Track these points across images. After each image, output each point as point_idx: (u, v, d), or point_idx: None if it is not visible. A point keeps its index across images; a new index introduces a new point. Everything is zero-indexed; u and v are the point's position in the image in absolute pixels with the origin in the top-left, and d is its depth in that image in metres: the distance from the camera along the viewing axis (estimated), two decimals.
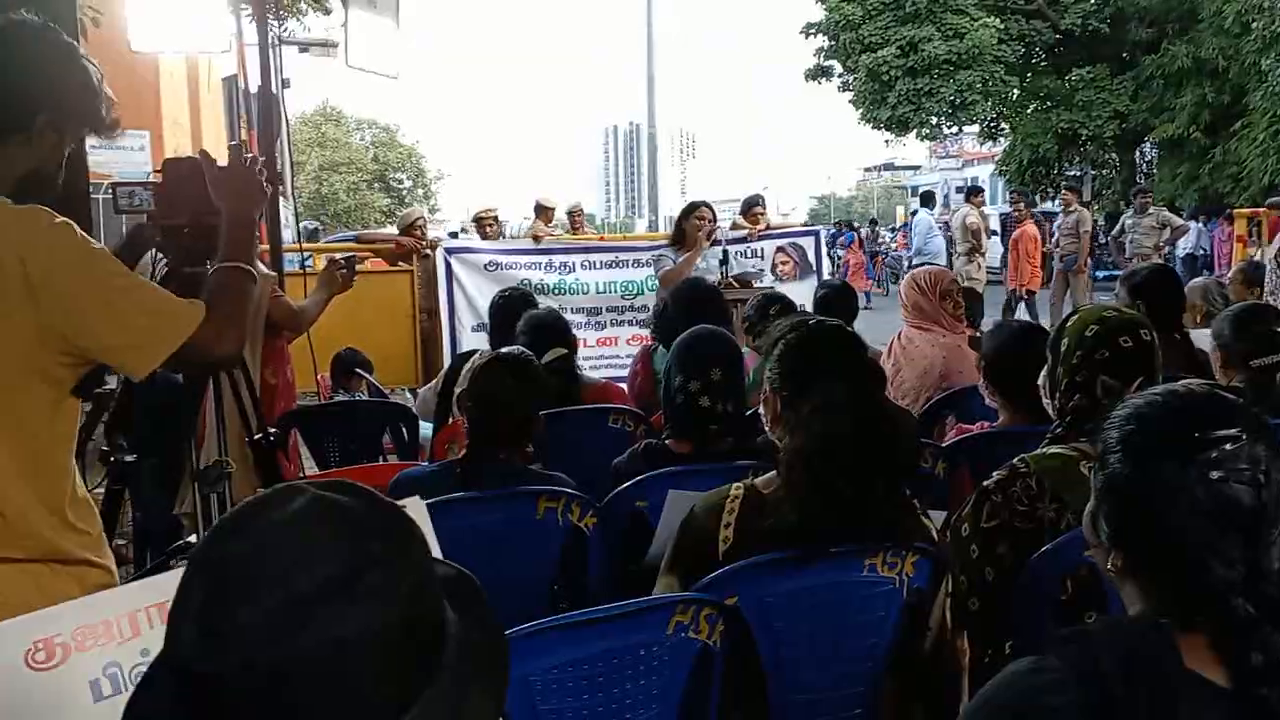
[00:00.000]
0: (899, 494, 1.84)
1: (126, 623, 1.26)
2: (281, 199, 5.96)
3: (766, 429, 1.93)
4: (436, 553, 1.22)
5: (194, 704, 0.75)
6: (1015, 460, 1.96)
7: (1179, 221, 11.93)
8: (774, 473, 1.87)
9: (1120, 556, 1.12)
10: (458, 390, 2.50)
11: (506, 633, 0.94)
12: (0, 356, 1.55)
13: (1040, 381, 2.09)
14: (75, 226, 1.58)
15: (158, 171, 2.12)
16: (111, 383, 2.87)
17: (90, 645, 1.23)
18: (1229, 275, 5.60)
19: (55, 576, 1.62)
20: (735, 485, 1.86)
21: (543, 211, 9.07)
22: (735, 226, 7.46)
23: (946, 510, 2.15)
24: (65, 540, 1.63)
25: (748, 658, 1.68)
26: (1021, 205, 12.17)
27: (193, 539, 2.21)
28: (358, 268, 4.06)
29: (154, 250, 2.15)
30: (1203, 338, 3.53)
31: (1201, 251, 16.67)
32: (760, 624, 1.70)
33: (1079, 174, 25.61)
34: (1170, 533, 1.06)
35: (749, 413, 2.56)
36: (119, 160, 7.86)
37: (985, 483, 1.97)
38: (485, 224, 8.52)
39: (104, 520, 2.17)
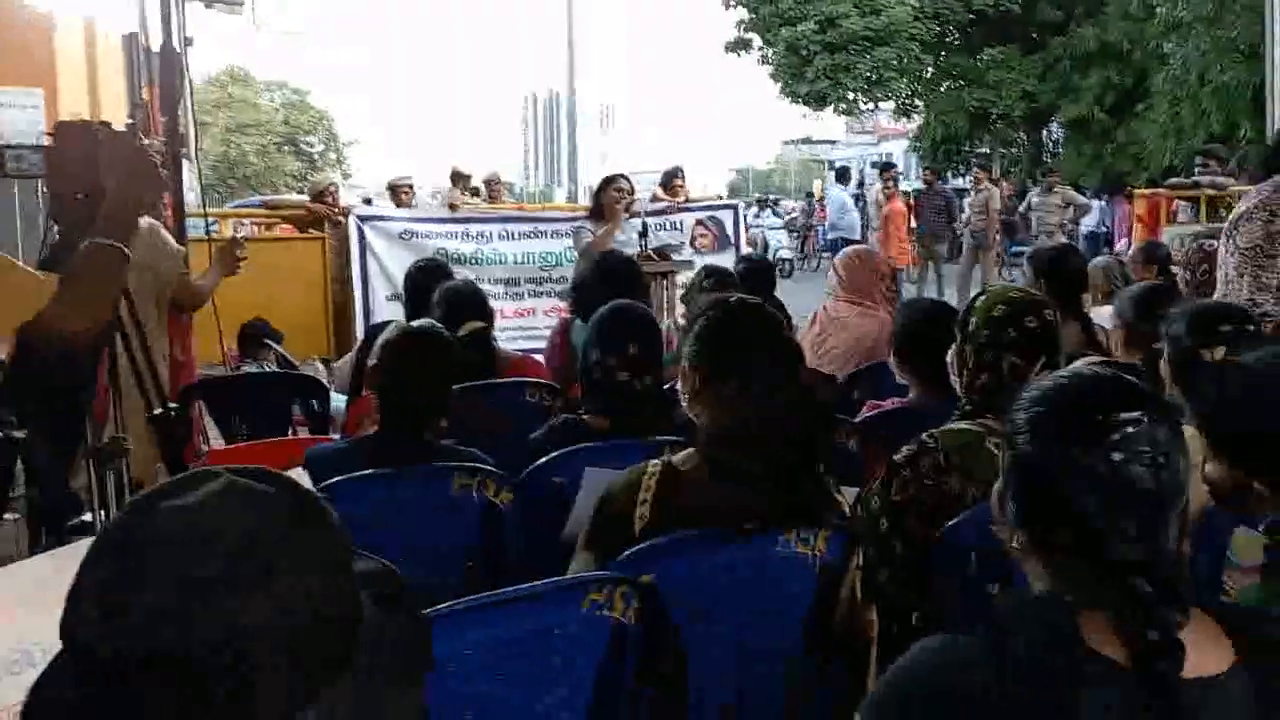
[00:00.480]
0: (813, 471, 1.86)
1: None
2: (185, 161, 5.73)
3: (684, 404, 1.93)
4: None
5: (97, 687, 0.73)
6: (924, 435, 2.01)
7: (1082, 200, 12.33)
8: (691, 450, 1.87)
9: (1025, 534, 1.15)
10: (369, 364, 2.45)
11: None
12: None
13: (948, 359, 2.14)
14: None
15: (49, 134, 2.02)
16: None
17: None
18: (1129, 254, 5.79)
19: None
20: (652, 462, 1.86)
21: (459, 179, 8.93)
22: (655, 199, 7.45)
23: (858, 485, 2.19)
24: None
25: (664, 636, 1.68)
26: (929, 179, 12.49)
27: (88, 518, 2.12)
28: (266, 234, 3.94)
29: (49, 219, 2.04)
30: (1103, 316, 3.65)
31: (1104, 229, 17.24)
32: (677, 601, 1.70)
33: (989, 151, 26.22)
34: (1074, 513, 1.08)
35: (666, 387, 2.57)
36: (10, 119, 7.45)
37: (895, 457, 2.01)
38: (401, 192, 8.35)
39: None
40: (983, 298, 2.08)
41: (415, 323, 2.56)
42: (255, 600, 0.72)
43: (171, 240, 3.20)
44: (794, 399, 1.85)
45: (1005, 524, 1.18)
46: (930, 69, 25.32)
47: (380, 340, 2.45)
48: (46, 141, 2.05)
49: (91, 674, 0.72)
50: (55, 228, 1.99)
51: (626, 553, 1.69)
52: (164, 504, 0.76)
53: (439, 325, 2.59)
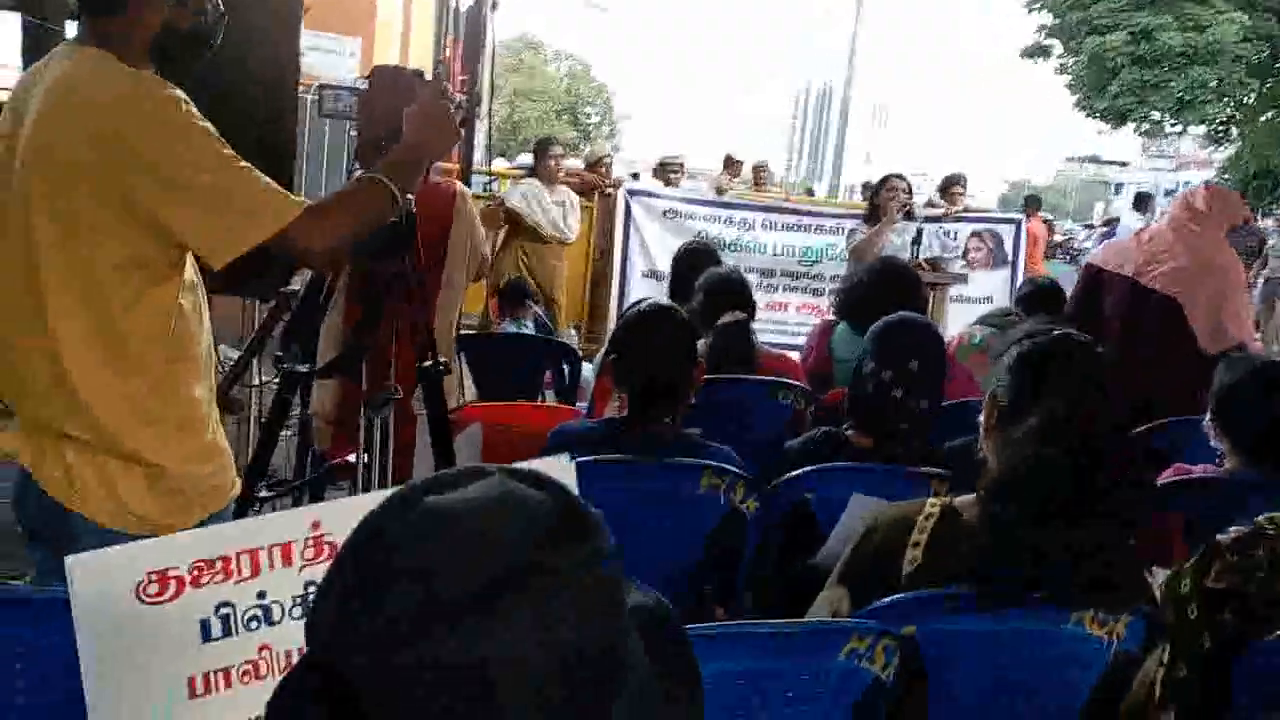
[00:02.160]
0: (1119, 542, 1.60)
1: (247, 561, 1.17)
2: (477, 119, 5.97)
3: (981, 434, 1.73)
4: None
5: (330, 701, 0.64)
6: (1262, 518, 1.69)
7: None
8: (974, 496, 1.67)
9: None
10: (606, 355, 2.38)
11: None
12: (90, 231, 1.51)
13: None
14: (183, 101, 1.53)
15: (365, 77, 2.05)
16: (296, 284, 2.88)
17: (205, 581, 1.14)
18: None
19: (125, 473, 1.60)
20: (931, 501, 1.67)
21: (731, 164, 8.87)
22: (930, 205, 7.08)
23: (1150, 557, 1.91)
24: (133, 439, 1.59)
25: (918, 697, 1.50)
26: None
27: (351, 458, 2.18)
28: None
29: (353, 160, 2.09)
30: None
31: None
32: (939, 663, 1.51)
33: None
34: None
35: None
36: (330, 64, 8.06)
37: (1220, 537, 1.71)
38: (670, 171, 8.38)
39: (266, 429, 2.17)
40: None
41: (650, 303, 2.46)
42: (497, 626, 0.62)
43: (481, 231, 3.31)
44: (1103, 450, 1.60)
45: None
46: (1253, 95, 22.90)
47: (615, 328, 2.37)
48: (362, 86, 2.10)
49: (323, 687, 0.65)
50: (359, 169, 2.03)
51: (890, 599, 1.51)
52: (426, 501, 0.67)
53: (673, 305, 2.48)
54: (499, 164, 11.38)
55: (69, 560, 1.08)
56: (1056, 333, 1.68)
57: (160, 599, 1.12)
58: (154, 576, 1.11)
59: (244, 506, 2.14)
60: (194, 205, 1.51)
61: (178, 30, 1.60)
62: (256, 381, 3.48)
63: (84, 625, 1.08)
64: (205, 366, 1.71)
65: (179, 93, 1.54)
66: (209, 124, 1.55)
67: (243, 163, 1.55)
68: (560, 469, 1.11)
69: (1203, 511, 2.27)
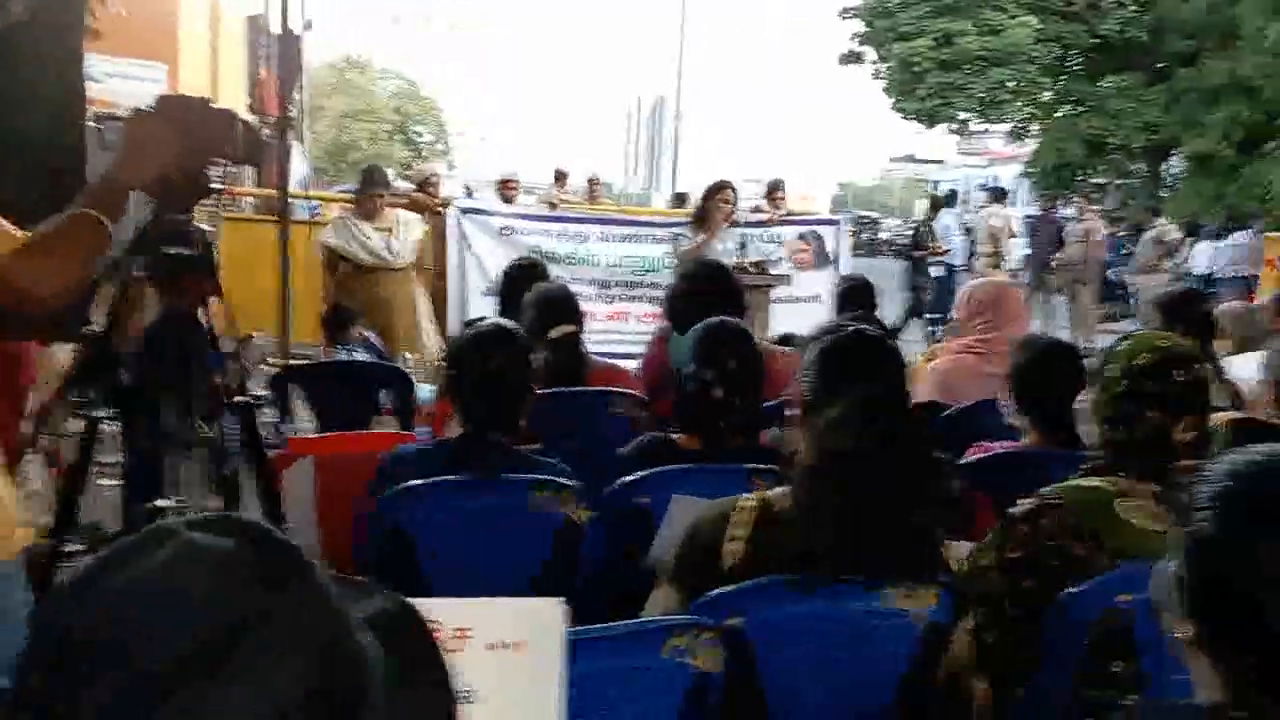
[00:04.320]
0: (922, 519, 1.70)
1: None
2: (295, 144, 5.81)
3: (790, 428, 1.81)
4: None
5: None
6: (1047, 490, 1.83)
7: (1172, 237, 11.80)
8: (787, 488, 1.74)
9: (1195, 627, 0.99)
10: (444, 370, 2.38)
11: None
12: None
13: (1078, 406, 1.95)
14: None
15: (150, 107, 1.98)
16: (97, 324, 2.74)
17: None
18: (1264, 302, 5.43)
19: None
20: (745, 496, 1.73)
21: (560, 178, 8.92)
22: (756, 210, 7.30)
23: (957, 532, 2.02)
24: None
25: (748, 688, 1.55)
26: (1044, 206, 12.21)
27: (163, 502, 2.09)
28: None
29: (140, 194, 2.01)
30: (1237, 364, 3.39)
31: (1214, 270, 16.38)
32: (766, 650, 1.57)
33: (1104, 182, 25.33)
34: (1263, 615, 0.92)
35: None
36: (133, 91, 7.68)
37: (1012, 510, 1.84)
38: (509, 188, 8.37)
39: (69, 478, 2.06)
40: (1127, 343, 1.89)
41: (487, 323, 2.47)
42: (213, 691, 0.58)
43: None
44: (901, 433, 1.70)
45: (1170, 610, 1.02)
46: (1048, 93, 24.59)
47: (452, 344, 2.37)
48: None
49: None
50: (146, 203, 1.96)
51: (713, 593, 1.56)
52: (103, 584, 0.62)
53: (511, 325, 2.50)
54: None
55: None
56: (849, 328, 1.77)
57: None
58: None
59: (54, 560, 2.03)
60: None
61: None
62: (68, 430, 3.28)
63: None
64: None
65: None
66: None
67: None
68: (551, 611, 1.06)
69: (1007, 486, 2.42)
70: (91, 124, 2.66)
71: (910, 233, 12.19)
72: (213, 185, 2.01)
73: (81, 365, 2.20)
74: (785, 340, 4.07)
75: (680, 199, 12.08)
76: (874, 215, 39.13)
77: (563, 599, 1.02)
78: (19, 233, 1.49)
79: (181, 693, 0.57)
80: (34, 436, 2.88)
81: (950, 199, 13.78)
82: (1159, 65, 22.79)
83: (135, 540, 0.65)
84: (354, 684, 0.64)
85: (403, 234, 5.75)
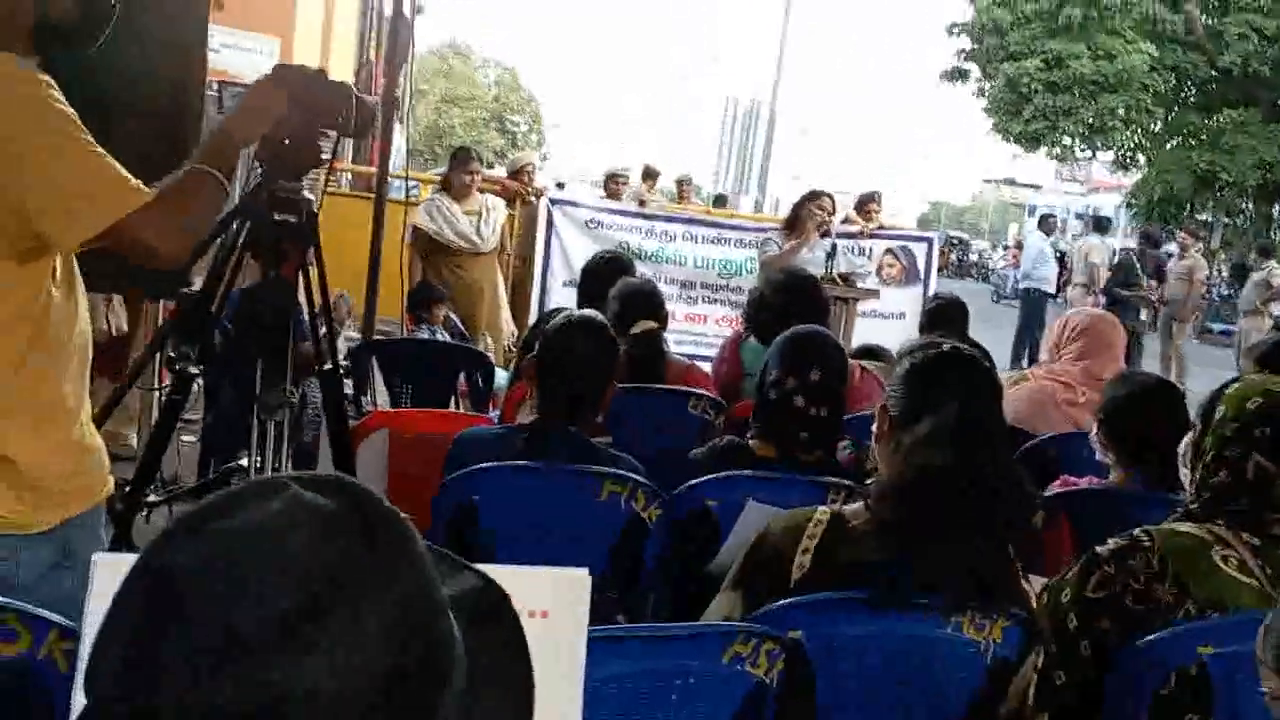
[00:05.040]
0: (1001, 550, 1.65)
1: None
2: (397, 124, 5.91)
3: (872, 444, 1.77)
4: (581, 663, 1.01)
5: None
6: (1138, 531, 1.76)
7: (1278, 281, 11.29)
8: (862, 504, 1.71)
9: None
10: (529, 354, 2.39)
11: None
12: None
13: (1181, 449, 1.88)
14: (43, 82, 1.49)
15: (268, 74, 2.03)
16: (197, 283, 2.82)
17: None
18: None
19: None
20: (820, 509, 1.70)
21: (649, 176, 8.93)
22: (848, 220, 7.21)
23: (1035, 566, 1.96)
24: None
25: (805, 702, 1.52)
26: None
27: (244, 461, 2.14)
28: None
29: (252, 158, 2.06)
30: None
31: None
32: (824, 665, 1.54)
33: (1210, 220, 24.47)
34: None
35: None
36: (249, 63, 7.90)
37: (1098, 548, 1.77)
38: (616, 182, 8.40)
39: (156, 431, 2.12)
40: (1237, 385, 1.81)
41: (579, 312, 2.47)
42: (304, 660, 0.58)
43: None
44: (989, 459, 1.66)
45: (1271, 669, 0.97)
46: (1159, 123, 23.84)
47: (545, 329, 2.38)
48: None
49: None
50: (258, 168, 2.01)
51: (778, 603, 1.54)
52: (212, 527, 0.62)
53: (602, 318, 2.50)
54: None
55: (95, 558, 1.03)
56: (945, 345, 1.73)
57: None
58: None
59: (132, 509, 2.09)
60: (40, 183, 1.46)
61: (49, 23, 1.55)
62: (155, 385, 3.39)
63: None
64: (79, 362, 1.65)
65: (40, 74, 1.50)
66: (69, 109, 1.51)
67: (97, 148, 1.51)
68: (576, 582, 1.07)
69: (1090, 522, 2.34)
70: (211, 93, 2.75)
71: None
72: (323, 156, 2.05)
73: (176, 324, 2.27)
74: (866, 353, 4.00)
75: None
76: (964, 236, 38.40)
77: (586, 570, 1.02)
78: (145, 189, 1.53)
79: (272, 657, 0.57)
80: (125, 390, 2.98)
81: (1045, 222, 13.44)
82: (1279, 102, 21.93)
83: (247, 489, 0.66)
84: (436, 669, 0.63)
85: (491, 219, 5.81)
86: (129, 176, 1.52)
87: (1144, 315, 11.18)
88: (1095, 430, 2.56)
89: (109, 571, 1.03)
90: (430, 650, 0.63)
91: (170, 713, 0.57)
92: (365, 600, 0.60)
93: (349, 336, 4.82)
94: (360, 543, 0.62)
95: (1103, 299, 10.39)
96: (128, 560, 1.03)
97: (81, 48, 1.59)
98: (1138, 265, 10.64)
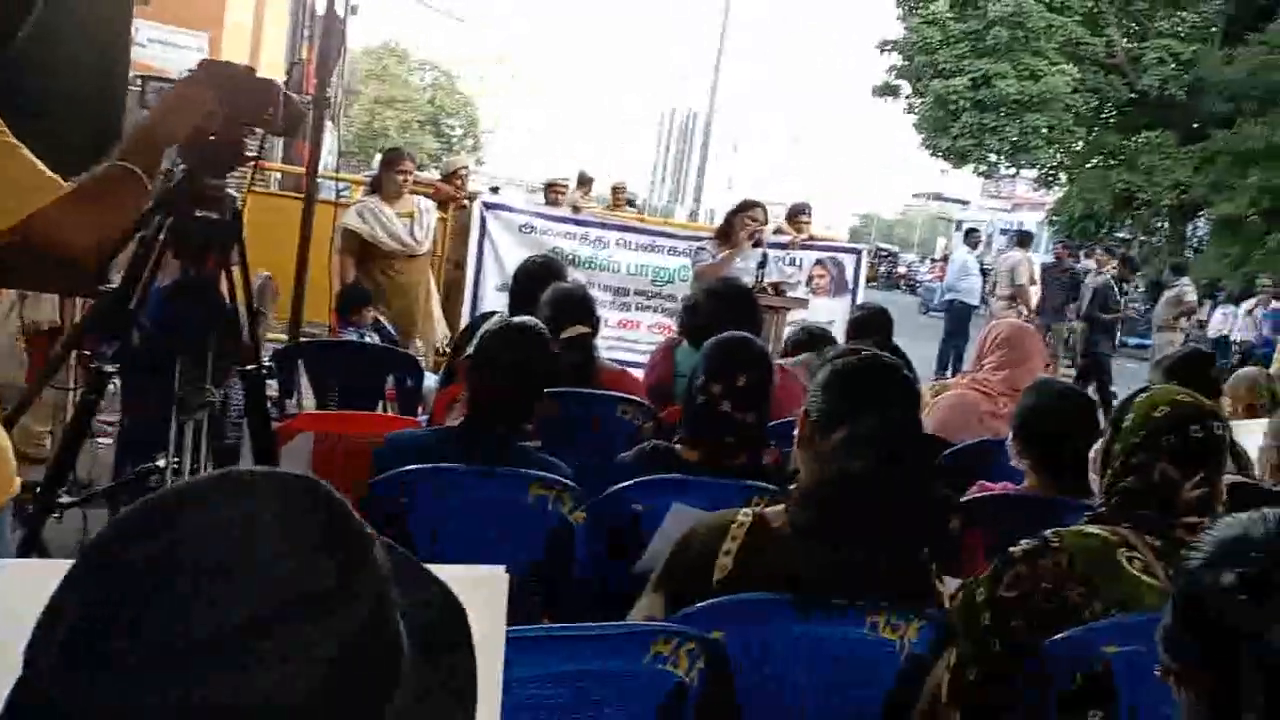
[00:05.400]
0: (917, 551, 1.70)
1: None
2: (329, 124, 5.84)
3: (794, 449, 1.81)
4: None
5: None
6: (1048, 533, 1.82)
7: (1189, 299, 11.73)
8: (784, 507, 1.74)
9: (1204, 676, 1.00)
10: (466, 352, 2.38)
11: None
12: None
13: (1091, 454, 1.94)
14: None
15: (190, 71, 2.00)
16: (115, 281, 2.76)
17: None
18: (1275, 370, 5.39)
19: None
20: (743, 512, 1.73)
21: (584, 183, 8.94)
22: (779, 231, 7.30)
23: (950, 569, 2.02)
24: None
25: (725, 701, 1.55)
26: (1060, 254, 12.18)
27: (162, 463, 2.10)
28: None
29: (175, 154, 2.02)
30: (1244, 431, 3.37)
31: (1228, 335, 16.26)
32: (745, 665, 1.56)
33: (1129, 237, 25.28)
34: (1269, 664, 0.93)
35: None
36: (176, 58, 7.73)
37: (1011, 549, 1.83)
38: (556, 190, 8.39)
39: (70, 430, 2.07)
40: (1145, 395, 1.88)
41: (519, 319, 2.48)
42: (264, 674, 0.56)
43: None
44: (906, 465, 1.70)
45: (1171, 658, 1.03)
46: (1080, 143, 24.60)
47: (482, 331, 2.38)
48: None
49: (35, 715, 0.57)
50: (180, 164, 1.97)
51: (699, 605, 1.56)
52: (181, 516, 0.60)
53: (540, 325, 2.51)
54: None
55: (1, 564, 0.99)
56: (865, 353, 1.77)
57: None
58: None
59: (44, 511, 2.03)
60: None
61: None
62: (71, 385, 3.30)
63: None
64: None
65: None
66: None
67: (11, 139, 1.48)
68: (493, 580, 1.06)
69: (1005, 526, 2.41)
70: (134, 89, 2.69)
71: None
72: (248, 154, 2.02)
73: (94, 321, 2.21)
74: (806, 334, 4.01)
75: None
76: (894, 249, 39.10)
77: (504, 568, 1.02)
78: (63, 184, 1.49)
79: (211, 666, 0.55)
80: (38, 388, 2.90)
81: (970, 237, 13.75)
82: (1195, 125, 22.76)
83: (212, 483, 0.63)
84: (382, 683, 0.62)
85: (424, 221, 5.76)
86: (44, 169, 1.48)
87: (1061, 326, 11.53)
88: (1010, 437, 2.63)
89: (7, 579, 1.01)
90: (378, 666, 0.61)
91: (102, 713, 0.55)
92: (321, 616, 0.58)
93: (272, 337, 4.73)
94: (323, 554, 0.60)
95: (1035, 317, 10.68)
96: (29, 567, 1.01)
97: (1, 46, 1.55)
98: (1115, 290, 10.92)
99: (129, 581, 0.57)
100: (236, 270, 2.12)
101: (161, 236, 2.02)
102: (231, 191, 2.07)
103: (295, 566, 0.59)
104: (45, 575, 1.02)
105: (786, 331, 5.62)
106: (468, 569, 1.05)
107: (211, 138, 1.97)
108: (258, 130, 2.03)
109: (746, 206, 5.70)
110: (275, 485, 0.63)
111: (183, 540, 0.59)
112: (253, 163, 2.10)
